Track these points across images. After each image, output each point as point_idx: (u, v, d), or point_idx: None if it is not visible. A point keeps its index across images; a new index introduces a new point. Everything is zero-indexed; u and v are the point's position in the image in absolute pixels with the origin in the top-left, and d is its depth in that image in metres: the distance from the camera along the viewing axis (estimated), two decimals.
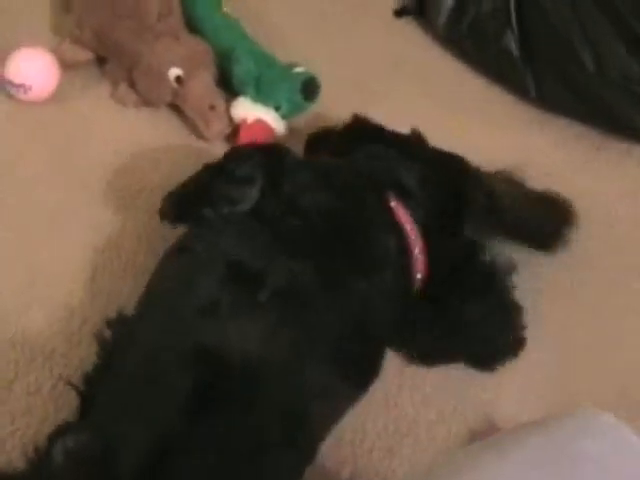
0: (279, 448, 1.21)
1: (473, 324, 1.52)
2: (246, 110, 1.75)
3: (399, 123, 1.69)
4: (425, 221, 1.51)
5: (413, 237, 1.49)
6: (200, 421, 1.17)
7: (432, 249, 1.50)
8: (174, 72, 1.73)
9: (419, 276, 1.50)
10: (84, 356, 1.39)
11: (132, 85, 1.78)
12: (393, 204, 1.50)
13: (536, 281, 1.61)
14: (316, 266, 1.33)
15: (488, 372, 1.52)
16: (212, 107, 1.73)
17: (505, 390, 1.52)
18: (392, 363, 1.50)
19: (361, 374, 1.38)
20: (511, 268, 1.58)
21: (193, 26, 1.88)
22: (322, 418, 1.30)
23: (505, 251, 1.62)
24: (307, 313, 1.31)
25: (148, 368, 1.24)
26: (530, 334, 1.55)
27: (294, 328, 1.29)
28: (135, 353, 1.27)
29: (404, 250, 1.47)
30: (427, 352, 1.53)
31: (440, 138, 1.65)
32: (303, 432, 1.24)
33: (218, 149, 1.69)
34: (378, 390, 1.45)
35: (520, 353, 1.53)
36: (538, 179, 1.75)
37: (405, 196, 1.53)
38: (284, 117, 1.77)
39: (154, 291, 1.37)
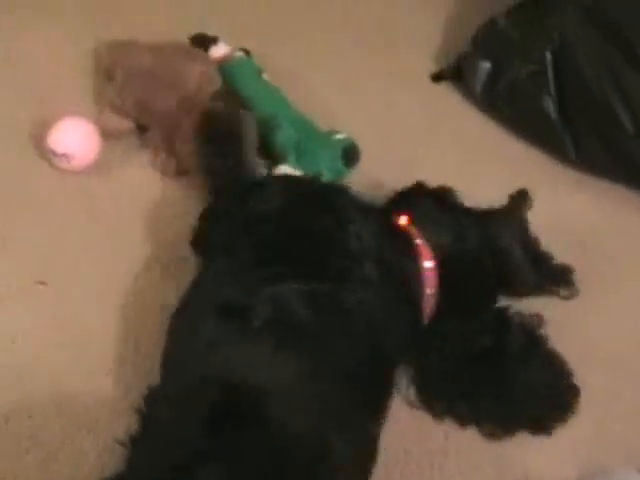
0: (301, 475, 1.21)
1: (531, 385, 1.52)
2: None
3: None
4: (444, 249, 1.54)
5: (423, 250, 1.51)
6: (217, 447, 1.19)
7: (450, 278, 1.51)
8: None
9: (429, 291, 1.50)
10: (129, 424, 1.37)
11: (173, 153, 1.79)
12: (403, 221, 1.53)
13: (576, 347, 1.59)
14: (297, 285, 1.36)
15: (545, 435, 1.51)
16: None
17: (548, 453, 1.50)
18: (437, 428, 1.50)
19: (371, 394, 1.37)
20: (540, 322, 1.59)
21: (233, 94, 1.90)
22: (342, 450, 1.26)
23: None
24: (301, 335, 1.33)
25: (170, 413, 1.28)
26: None
27: (291, 351, 1.30)
28: (160, 405, 1.31)
29: (408, 258, 1.49)
30: (486, 421, 1.51)
31: (478, 199, 1.66)
32: (325, 463, 1.23)
33: None
34: (424, 455, 1.46)
35: (576, 406, 1.53)
36: (576, 241, 1.76)
37: (422, 220, 1.57)
38: None
39: (167, 354, 1.41)
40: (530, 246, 1.66)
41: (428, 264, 1.50)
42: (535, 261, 1.65)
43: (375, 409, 1.37)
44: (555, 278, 1.67)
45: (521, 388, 1.51)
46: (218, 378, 1.27)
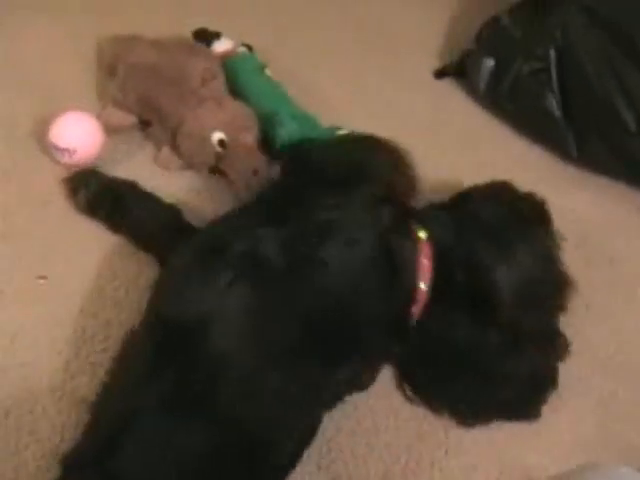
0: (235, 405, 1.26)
1: (510, 373, 1.52)
2: None
3: (441, 184, 1.70)
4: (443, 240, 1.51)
5: (424, 247, 1.48)
6: (160, 379, 1.26)
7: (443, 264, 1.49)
8: (217, 136, 1.74)
9: (423, 286, 1.46)
10: None
11: (175, 149, 1.79)
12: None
13: (578, 346, 1.60)
14: (280, 235, 1.38)
15: (533, 418, 1.52)
16: (255, 170, 1.73)
17: (549, 452, 1.51)
18: (438, 425, 1.50)
19: (326, 344, 1.36)
20: None
21: (236, 90, 1.89)
22: (279, 387, 1.30)
23: None
24: (264, 272, 1.35)
25: (126, 353, 1.39)
26: (574, 396, 1.56)
27: (247, 287, 1.33)
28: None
29: (408, 249, 1.47)
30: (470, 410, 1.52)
31: None
32: (257, 396, 1.27)
33: None
34: (425, 453, 1.46)
35: (556, 382, 1.54)
36: (577, 239, 1.75)
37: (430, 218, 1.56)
38: None
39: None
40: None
41: (425, 260, 1.47)
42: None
43: (327, 360, 1.36)
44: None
45: (500, 375, 1.51)
46: (169, 314, 1.34)
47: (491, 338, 1.50)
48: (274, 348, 1.31)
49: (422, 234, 1.50)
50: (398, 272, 1.45)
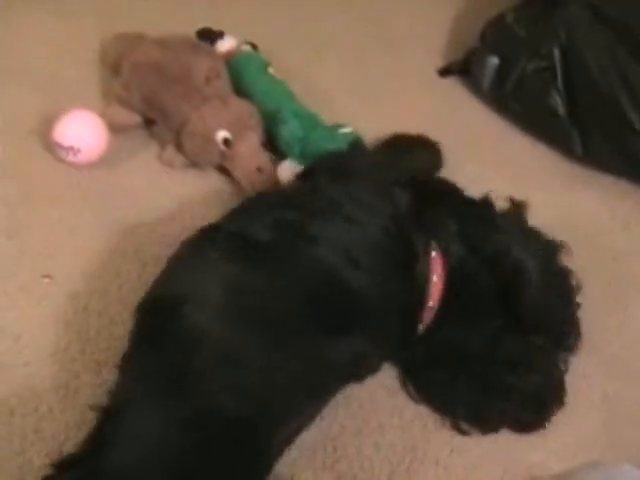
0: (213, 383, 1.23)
1: (514, 387, 1.51)
2: (293, 171, 1.74)
3: None
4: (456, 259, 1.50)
5: (436, 263, 1.47)
6: (143, 363, 1.27)
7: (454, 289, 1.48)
8: (221, 134, 1.74)
9: (431, 304, 1.46)
10: None
11: (179, 147, 1.79)
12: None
13: (583, 344, 1.60)
14: (274, 216, 1.39)
15: (539, 431, 1.51)
16: (259, 169, 1.74)
17: (553, 451, 1.50)
18: (442, 424, 1.50)
19: (317, 317, 1.33)
20: None
21: (240, 89, 1.90)
22: (259, 357, 1.27)
23: None
24: (249, 250, 1.34)
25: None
26: (578, 395, 1.55)
27: (232, 264, 1.32)
28: None
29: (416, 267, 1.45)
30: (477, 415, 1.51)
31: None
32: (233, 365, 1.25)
33: None
34: (430, 452, 1.45)
35: (562, 401, 1.53)
36: (581, 237, 1.75)
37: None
38: None
39: None
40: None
41: (436, 278, 1.46)
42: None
43: (319, 334, 1.33)
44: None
45: (504, 386, 1.51)
46: (154, 295, 1.35)
47: (503, 349, 1.51)
48: (258, 322, 1.28)
49: (435, 247, 1.49)
50: (409, 261, 1.44)
